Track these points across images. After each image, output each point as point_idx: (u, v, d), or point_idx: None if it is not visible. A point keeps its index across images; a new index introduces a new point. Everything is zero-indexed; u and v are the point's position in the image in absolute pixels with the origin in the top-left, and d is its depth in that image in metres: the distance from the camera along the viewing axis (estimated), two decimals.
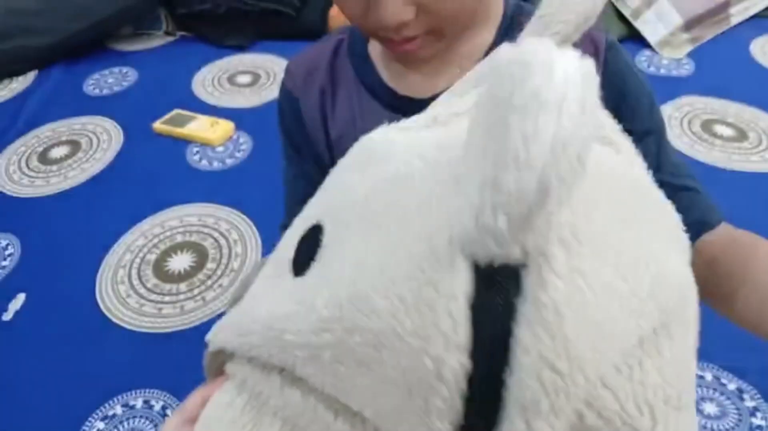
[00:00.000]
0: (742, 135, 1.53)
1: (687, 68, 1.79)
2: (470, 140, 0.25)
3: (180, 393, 0.99)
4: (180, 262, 1.30)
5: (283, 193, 0.73)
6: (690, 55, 1.85)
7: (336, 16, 1.90)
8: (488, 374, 0.26)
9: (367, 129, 0.37)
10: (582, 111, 0.22)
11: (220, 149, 1.59)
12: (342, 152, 0.38)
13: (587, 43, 0.57)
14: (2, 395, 1.08)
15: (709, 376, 1.01)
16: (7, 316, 1.23)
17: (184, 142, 1.62)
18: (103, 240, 1.36)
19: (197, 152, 1.59)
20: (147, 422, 1.02)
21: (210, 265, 1.29)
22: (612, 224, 0.29)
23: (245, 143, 1.61)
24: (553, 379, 0.25)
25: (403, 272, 0.27)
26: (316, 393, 0.30)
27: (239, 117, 1.68)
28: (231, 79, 1.87)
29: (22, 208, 1.47)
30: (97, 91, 1.86)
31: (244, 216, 1.39)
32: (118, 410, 1.04)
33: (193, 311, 1.20)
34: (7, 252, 1.35)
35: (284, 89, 0.70)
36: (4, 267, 1.32)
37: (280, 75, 0.73)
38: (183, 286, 1.25)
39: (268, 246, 1.31)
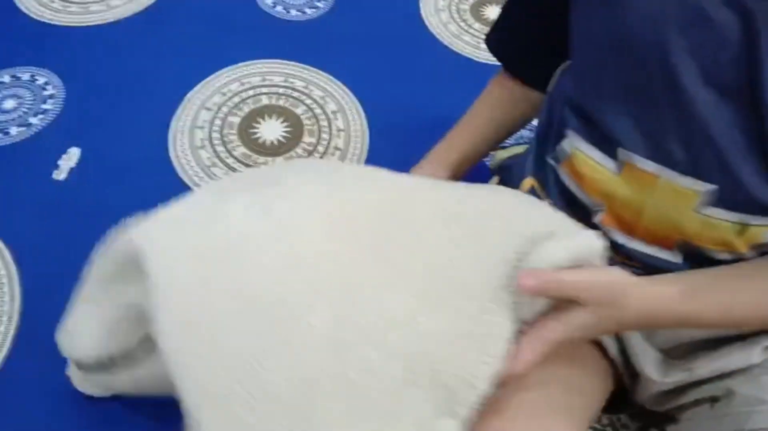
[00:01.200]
0: None
1: None
2: None
3: None
4: (271, 130, 1.07)
5: None
6: None
7: None
8: None
9: None
10: None
11: None
12: None
13: None
14: (63, 269, 0.85)
15: None
16: (60, 174, 0.99)
17: None
18: (166, 90, 1.11)
19: None
20: None
21: (308, 139, 1.07)
22: None
23: None
24: None
25: None
26: None
27: None
28: None
29: (57, 38, 1.18)
30: None
31: (339, 83, 1.15)
32: None
33: None
34: (46, 93, 1.08)
35: None
36: (45, 112, 1.06)
37: None
38: (280, 160, 1.04)
39: (376, 133, 1.09)
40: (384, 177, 0.59)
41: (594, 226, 0.61)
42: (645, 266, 0.60)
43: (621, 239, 0.60)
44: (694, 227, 0.55)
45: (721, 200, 0.52)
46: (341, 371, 0.46)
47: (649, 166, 0.55)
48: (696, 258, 0.57)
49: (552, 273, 0.47)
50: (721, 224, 0.53)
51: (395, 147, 1.05)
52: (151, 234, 0.55)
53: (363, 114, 1.11)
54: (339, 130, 1.09)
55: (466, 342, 0.46)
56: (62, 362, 0.74)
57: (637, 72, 0.53)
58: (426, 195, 0.57)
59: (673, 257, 0.59)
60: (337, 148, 1.06)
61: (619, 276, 0.51)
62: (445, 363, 0.46)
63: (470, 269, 0.49)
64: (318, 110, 1.11)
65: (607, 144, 0.57)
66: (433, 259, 0.50)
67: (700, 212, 0.54)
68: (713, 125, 0.50)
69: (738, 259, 0.56)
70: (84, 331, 0.66)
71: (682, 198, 0.54)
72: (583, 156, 0.59)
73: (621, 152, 0.56)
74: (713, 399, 0.62)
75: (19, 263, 0.88)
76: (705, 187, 0.52)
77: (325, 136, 1.07)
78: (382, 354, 0.46)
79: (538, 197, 0.68)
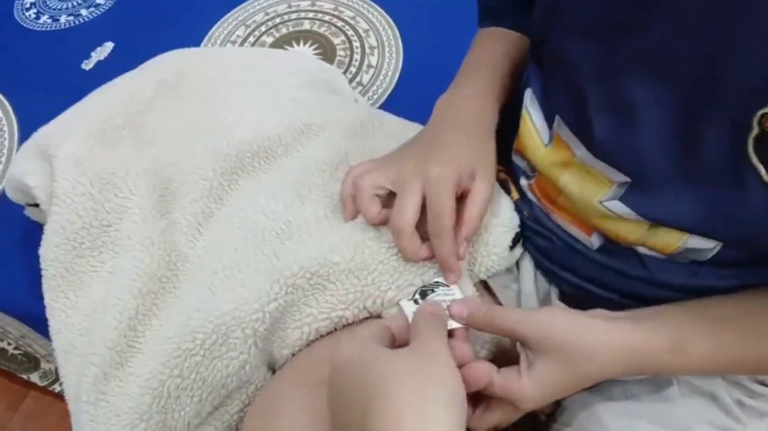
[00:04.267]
0: None
1: None
2: None
3: None
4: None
5: None
6: None
7: None
8: None
9: None
10: None
11: None
12: None
13: None
14: None
15: None
16: (88, 65, 1.01)
17: None
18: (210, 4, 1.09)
19: None
20: None
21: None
22: None
23: None
24: None
25: None
26: None
27: None
28: None
29: None
30: None
31: (380, 10, 1.07)
32: None
33: None
34: None
35: None
36: (97, 6, 1.09)
37: None
38: None
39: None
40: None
41: (522, 192, 0.58)
42: (564, 247, 0.55)
43: (543, 211, 0.56)
44: (599, 216, 0.50)
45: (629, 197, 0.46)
46: None
47: (572, 140, 0.49)
48: (616, 248, 0.51)
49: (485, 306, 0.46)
50: (624, 219, 0.48)
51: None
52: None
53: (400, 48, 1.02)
54: (369, 66, 1.01)
55: None
56: None
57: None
58: None
59: (590, 243, 0.53)
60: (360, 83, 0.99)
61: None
62: None
63: None
64: (355, 42, 1.04)
65: (549, 112, 0.52)
66: None
67: (603, 204, 0.48)
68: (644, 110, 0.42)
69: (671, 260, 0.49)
70: None
71: (593, 183, 0.48)
72: (527, 118, 0.54)
73: (556, 122, 0.50)
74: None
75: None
76: (618, 177, 0.46)
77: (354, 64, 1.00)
78: None
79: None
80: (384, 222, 0.54)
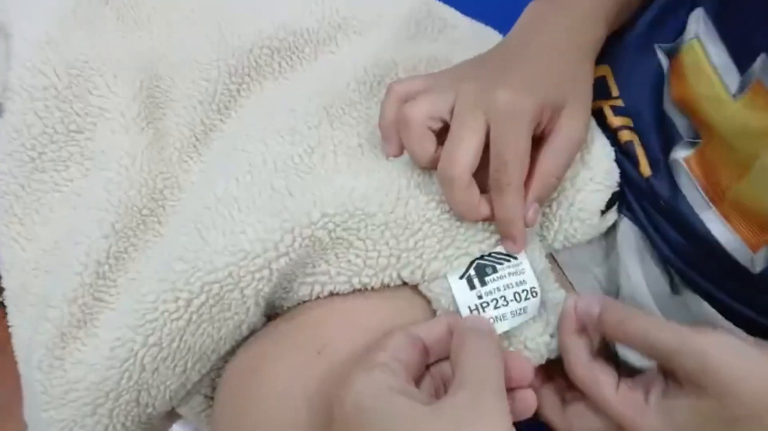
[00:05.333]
0: None
1: None
2: None
3: None
4: None
5: None
6: None
7: None
8: None
9: None
10: None
11: None
12: None
13: None
14: None
15: None
16: None
17: None
18: None
19: None
20: None
21: None
22: None
23: None
24: None
25: None
26: None
27: None
28: None
29: None
30: None
31: None
32: None
33: None
34: None
35: None
36: None
37: None
38: None
39: None
40: None
41: (665, 167, 0.41)
42: (709, 255, 0.39)
43: (695, 201, 0.40)
44: None
45: None
46: None
47: None
48: None
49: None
50: None
51: None
52: None
53: None
54: None
55: None
56: None
57: None
58: None
59: (750, 262, 0.38)
60: None
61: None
62: None
63: None
64: None
65: (742, 46, 0.37)
66: None
67: None
68: None
69: None
70: None
71: None
72: (700, 53, 0.39)
73: (759, 63, 0.35)
74: None
75: None
76: None
77: None
78: None
79: (604, 91, 0.45)
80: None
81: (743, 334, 0.35)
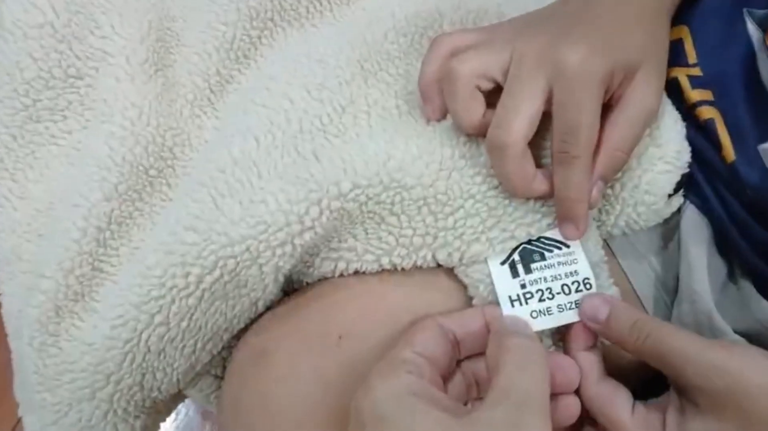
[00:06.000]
0: None
1: None
2: None
3: None
4: None
5: None
6: None
7: None
8: None
9: None
10: None
11: None
12: None
13: None
14: None
15: None
16: None
17: None
18: None
19: None
20: None
21: None
22: None
23: None
24: None
25: None
26: None
27: None
28: None
29: None
30: None
31: None
32: None
33: None
34: None
35: None
36: None
37: None
38: None
39: None
40: None
41: (755, 152, 0.35)
42: None
43: None
44: None
45: None
46: None
47: None
48: None
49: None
50: None
51: None
52: None
53: None
54: None
55: None
56: None
57: None
58: None
59: None
60: None
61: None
62: None
63: None
64: None
65: None
66: None
67: None
68: None
69: None
70: None
71: None
72: None
73: None
74: None
75: None
76: None
77: None
78: None
79: (680, 56, 0.38)
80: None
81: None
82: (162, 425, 0.41)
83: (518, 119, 0.31)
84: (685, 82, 0.38)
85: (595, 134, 0.32)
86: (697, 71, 0.38)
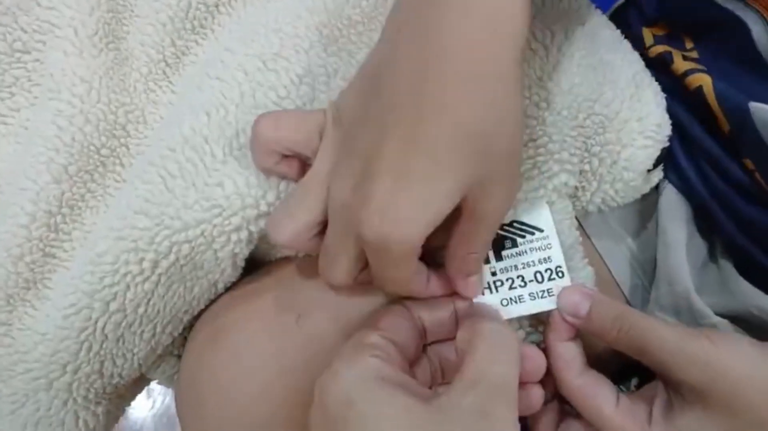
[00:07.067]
0: None
1: None
2: None
3: None
4: None
5: None
6: None
7: None
8: None
9: None
10: None
11: None
12: None
13: None
14: None
15: None
16: None
17: None
18: None
19: None
20: None
21: None
22: None
23: None
24: None
25: None
26: None
27: None
28: None
29: None
30: None
31: None
32: None
33: None
34: None
35: None
36: None
37: None
38: None
39: None
40: None
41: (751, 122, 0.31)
42: None
43: None
44: None
45: None
46: None
47: None
48: None
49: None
50: None
51: None
52: None
53: None
54: None
55: None
56: None
57: None
58: None
59: None
60: None
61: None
62: None
63: None
64: None
65: None
66: None
67: None
68: None
69: None
70: None
71: None
72: None
73: None
74: None
75: None
76: None
77: None
78: None
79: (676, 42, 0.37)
80: None
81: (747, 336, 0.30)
82: (139, 413, 0.41)
83: (338, 267, 0.30)
84: (677, 55, 0.35)
85: (420, 283, 0.30)
86: (693, 54, 0.36)
